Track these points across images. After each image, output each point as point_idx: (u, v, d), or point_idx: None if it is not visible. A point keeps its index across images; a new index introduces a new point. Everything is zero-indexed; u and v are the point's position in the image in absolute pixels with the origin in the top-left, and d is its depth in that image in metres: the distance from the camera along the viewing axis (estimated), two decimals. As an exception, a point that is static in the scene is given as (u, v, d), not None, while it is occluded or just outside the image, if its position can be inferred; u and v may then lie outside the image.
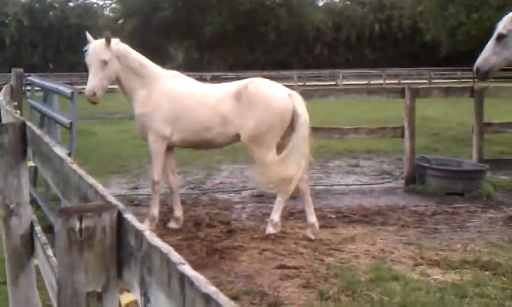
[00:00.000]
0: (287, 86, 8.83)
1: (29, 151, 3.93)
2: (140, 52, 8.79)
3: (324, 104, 19.06)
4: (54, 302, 2.96)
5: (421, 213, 9.42)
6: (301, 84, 48.07)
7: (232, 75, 50.63)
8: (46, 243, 3.75)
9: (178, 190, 8.98)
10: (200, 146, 8.83)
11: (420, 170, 11.18)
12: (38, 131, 3.74)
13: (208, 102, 8.26)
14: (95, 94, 8.18)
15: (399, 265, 6.92)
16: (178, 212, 8.72)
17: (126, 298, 2.82)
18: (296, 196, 8.70)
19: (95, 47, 8.28)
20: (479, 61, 9.01)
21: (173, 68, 9.69)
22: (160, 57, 78.79)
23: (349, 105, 25.21)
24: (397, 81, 55.35)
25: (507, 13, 9.08)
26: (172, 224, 8.65)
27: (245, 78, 9.03)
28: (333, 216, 9.24)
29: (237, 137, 8.28)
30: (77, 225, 1.85)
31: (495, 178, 11.45)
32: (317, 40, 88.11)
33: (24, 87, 13.40)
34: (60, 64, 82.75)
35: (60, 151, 2.96)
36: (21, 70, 11.57)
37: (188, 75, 9.22)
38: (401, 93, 11.65)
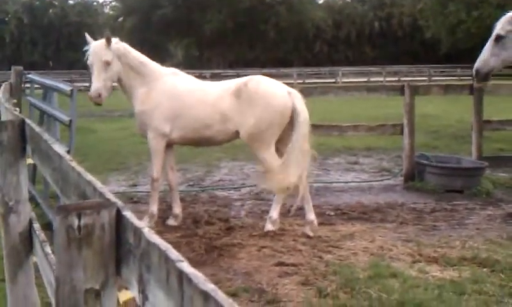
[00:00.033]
0: (286, 83, 8.83)
1: (28, 148, 3.94)
2: (140, 50, 8.80)
3: (324, 102, 19.02)
4: (53, 300, 2.97)
5: (420, 210, 9.43)
6: (301, 81, 48.11)
7: (231, 73, 50.64)
8: (45, 240, 3.76)
9: (177, 187, 8.99)
10: (199, 143, 8.84)
11: (419, 167, 11.19)
12: (37, 128, 3.75)
13: (208, 99, 8.27)
14: (100, 95, 8.19)
15: (397, 262, 6.93)
16: (177, 209, 8.73)
17: (124, 295, 2.82)
18: (294, 193, 8.70)
19: (96, 47, 8.28)
20: (478, 63, 9.01)
21: (172, 66, 9.69)
22: (160, 55, 78.65)
23: (348, 103, 25.19)
24: (396, 79, 55.39)
25: (506, 13, 9.08)
26: (171, 221, 8.66)
27: (245, 75, 9.04)
28: (332, 213, 9.25)
29: (236, 135, 8.29)
30: (76, 222, 1.85)
31: (494, 175, 11.46)
32: (316, 38, 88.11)
33: (23, 85, 13.38)
34: (60, 62, 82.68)
35: (59, 148, 2.97)
36: (21, 67, 11.55)
37: (188, 73, 9.23)
38: (401, 90, 11.65)
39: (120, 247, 1.91)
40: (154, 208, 8.53)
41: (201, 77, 25.00)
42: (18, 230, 4.02)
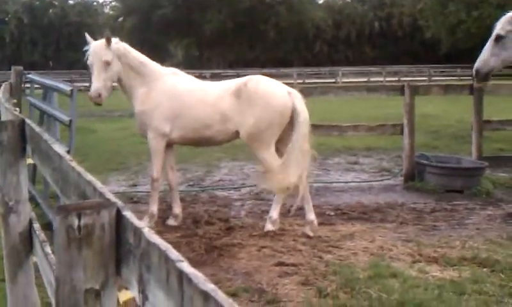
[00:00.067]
0: (286, 83, 8.83)
1: (28, 148, 3.94)
2: (140, 50, 8.80)
3: (324, 102, 19.02)
4: (53, 300, 2.97)
5: (420, 210, 9.43)
6: (301, 81, 48.13)
7: (231, 73, 50.65)
8: (45, 240, 3.76)
9: (177, 187, 8.99)
10: (199, 143, 8.84)
11: (419, 167, 11.19)
12: (37, 128, 3.75)
13: (208, 99, 8.27)
14: (100, 95, 8.20)
15: (397, 262, 6.93)
16: (177, 209, 8.73)
17: (124, 295, 2.82)
18: (294, 193, 8.70)
19: (96, 47, 8.28)
20: (478, 63, 9.01)
21: (172, 66, 9.70)
22: (160, 55, 78.62)
23: (348, 103, 25.19)
24: (396, 79, 55.39)
25: (506, 12, 9.08)
26: (171, 221, 8.66)
27: (245, 75, 9.04)
28: (332, 213, 9.25)
29: (236, 135, 8.29)
30: (76, 222, 1.85)
31: (494, 175, 11.46)
32: (316, 38, 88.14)
33: (23, 85, 13.37)
34: (60, 62, 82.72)
35: (59, 148, 2.97)
36: (21, 67, 11.55)
37: (188, 73, 9.23)
38: (401, 90, 11.64)
39: (120, 247, 1.91)
40: (154, 208, 8.54)
41: (201, 77, 25.00)
42: (18, 230, 4.02)
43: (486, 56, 8.95)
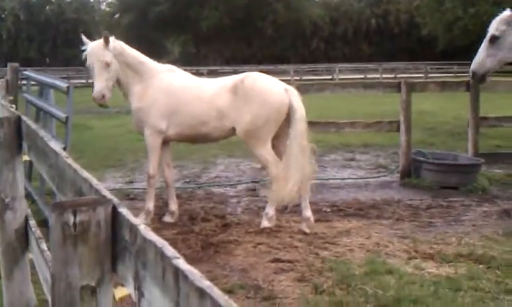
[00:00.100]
0: (283, 80, 8.83)
1: (24, 145, 3.94)
2: (137, 47, 8.80)
3: (320, 98, 19.03)
4: (48, 296, 2.97)
5: (416, 206, 9.44)
6: (298, 78, 48.04)
7: (228, 70, 50.56)
8: (40, 237, 3.76)
9: (173, 184, 9.00)
10: (196, 140, 8.84)
11: (416, 164, 11.20)
12: (33, 125, 3.75)
13: (205, 96, 8.28)
14: (103, 96, 8.22)
15: (393, 258, 6.94)
16: (174, 205, 8.74)
17: (120, 292, 2.81)
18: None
19: (94, 48, 8.27)
20: (475, 64, 9.03)
21: (169, 63, 9.70)
22: (157, 52, 78.56)
23: (345, 100, 25.22)
24: (393, 75, 55.31)
25: (502, 10, 9.10)
26: (167, 218, 8.66)
27: (242, 72, 9.04)
28: (328, 210, 9.25)
29: (233, 131, 8.30)
30: (71, 219, 1.85)
31: (490, 172, 11.47)
32: (314, 35, 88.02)
33: (19, 82, 13.35)
34: (57, 59, 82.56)
35: (55, 145, 2.96)
36: (17, 64, 11.53)
37: (185, 70, 9.24)
38: (397, 87, 11.65)
39: (116, 244, 1.91)
40: (150, 204, 8.54)
41: (198, 73, 25.00)
42: (14, 227, 4.02)
43: (482, 57, 8.97)
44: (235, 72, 11.34)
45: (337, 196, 10.20)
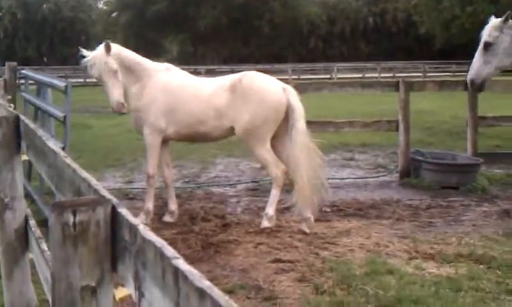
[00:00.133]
0: (281, 79, 8.83)
1: (23, 145, 3.92)
2: (135, 45, 8.83)
3: (318, 98, 19.05)
4: (49, 296, 2.95)
5: (416, 206, 9.43)
6: (296, 77, 48.09)
7: (226, 69, 50.61)
8: (40, 237, 3.75)
9: (173, 183, 8.99)
10: (195, 139, 8.83)
11: (415, 164, 11.19)
12: (31, 125, 3.73)
13: (202, 95, 8.28)
14: (122, 105, 8.21)
15: (393, 258, 6.93)
16: (173, 205, 8.72)
17: (120, 292, 2.81)
18: (290, 189, 8.71)
19: (99, 59, 8.23)
20: (472, 73, 9.01)
21: (167, 62, 9.69)
22: (155, 51, 78.71)
23: (343, 99, 25.21)
24: (391, 74, 55.39)
25: (499, 9, 9.10)
26: (167, 218, 8.65)
27: (239, 71, 9.04)
28: (328, 210, 9.23)
29: (231, 131, 8.30)
30: (71, 219, 1.84)
31: (489, 172, 11.46)
32: (311, 33, 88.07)
33: (17, 81, 13.33)
34: (54, 58, 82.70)
35: (54, 144, 2.95)
36: (15, 63, 11.53)
37: (182, 69, 9.23)
38: (396, 86, 11.64)
39: (116, 244, 1.90)
40: (150, 204, 8.53)
41: (196, 72, 24.98)
42: (14, 227, 4.01)
43: (479, 65, 8.96)
44: (233, 71, 11.32)
45: (337, 196, 10.16)
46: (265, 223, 8.14)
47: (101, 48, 8.29)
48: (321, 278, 6.29)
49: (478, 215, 8.91)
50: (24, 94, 11.12)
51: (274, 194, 8.25)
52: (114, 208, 1.90)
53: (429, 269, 6.53)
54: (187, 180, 11.76)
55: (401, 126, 11.34)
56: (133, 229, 1.73)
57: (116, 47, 8.48)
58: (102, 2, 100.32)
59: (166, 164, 8.79)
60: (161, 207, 9.08)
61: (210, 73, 45.42)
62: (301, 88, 9.86)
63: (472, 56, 9.26)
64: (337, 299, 5.74)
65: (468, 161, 11.22)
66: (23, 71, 12.14)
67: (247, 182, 11.22)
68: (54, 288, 1.90)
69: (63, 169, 2.59)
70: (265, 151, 8.12)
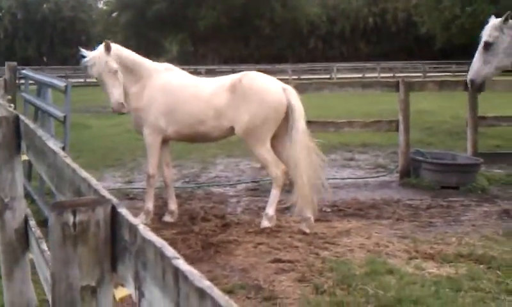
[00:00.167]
0: (281, 79, 8.84)
1: (23, 145, 3.92)
2: (135, 45, 8.82)
3: (319, 98, 19.04)
4: (49, 296, 2.95)
5: (416, 206, 9.43)
6: (296, 77, 48.08)
7: (226, 69, 50.62)
8: (40, 237, 3.75)
9: (173, 183, 8.99)
10: (195, 139, 8.83)
11: (415, 164, 11.19)
12: (31, 125, 3.73)
13: (202, 95, 8.28)
14: (122, 104, 8.20)
15: (393, 258, 6.93)
16: (173, 205, 8.72)
17: (120, 292, 2.81)
18: (290, 189, 8.72)
19: (98, 59, 8.22)
20: (472, 73, 9.01)
21: (167, 62, 9.69)
22: (155, 51, 78.73)
23: (343, 99, 25.20)
24: (391, 74, 55.37)
25: (499, 9, 9.10)
26: (167, 218, 8.65)
27: (240, 71, 9.04)
28: (328, 210, 9.23)
29: (231, 131, 8.30)
30: (71, 219, 1.84)
31: (489, 172, 11.45)
32: (311, 34, 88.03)
33: (17, 81, 13.34)
34: (54, 58, 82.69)
35: (54, 144, 2.95)
36: (15, 63, 11.53)
37: (183, 69, 9.24)
38: (396, 86, 11.63)
39: (116, 244, 1.90)
40: (150, 204, 8.53)
41: (196, 72, 24.97)
42: (14, 227, 4.01)
43: (479, 65, 8.96)
44: (233, 71, 11.33)
45: (337, 196, 10.15)
46: (265, 223, 8.15)
47: (101, 48, 8.29)
48: (321, 278, 6.29)
49: (478, 215, 8.91)
50: (24, 94, 11.12)
51: (274, 194, 8.26)
52: (114, 208, 1.90)
53: (429, 269, 6.54)
54: (187, 179, 11.76)
55: (401, 127, 11.33)
56: (133, 229, 1.73)
57: (116, 47, 8.48)
58: (102, 2, 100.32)
59: (166, 164, 8.79)
60: (161, 207, 9.08)
61: (211, 73, 45.44)
62: (301, 88, 9.87)
63: (472, 56, 9.26)
64: (337, 299, 5.74)
65: (468, 161, 11.22)
66: (23, 71, 12.14)
67: (247, 182, 11.22)
68: (54, 288, 1.90)
69: (63, 169, 2.59)
70: (265, 151, 8.12)
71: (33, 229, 3.92)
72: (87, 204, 1.87)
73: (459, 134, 15.21)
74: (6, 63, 11.42)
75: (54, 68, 57.94)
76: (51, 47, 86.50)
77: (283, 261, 6.82)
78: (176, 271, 1.44)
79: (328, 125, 12.04)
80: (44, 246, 3.55)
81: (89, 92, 32.95)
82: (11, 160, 3.99)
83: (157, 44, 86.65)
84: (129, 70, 8.44)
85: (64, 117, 7.52)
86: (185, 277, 1.38)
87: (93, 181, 2.16)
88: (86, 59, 8.35)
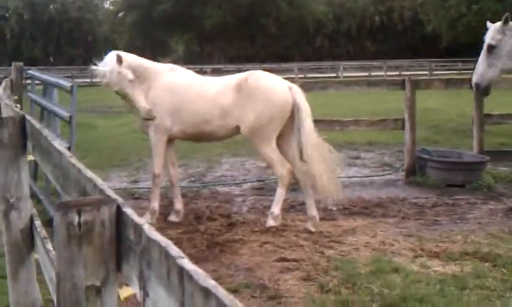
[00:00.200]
0: (287, 78, 8.85)
1: (29, 145, 3.94)
2: (141, 45, 8.89)
3: (325, 96, 19.01)
4: (54, 296, 2.97)
5: (421, 205, 9.42)
6: (302, 76, 48.06)
7: (232, 68, 50.62)
8: (46, 237, 3.76)
9: (178, 183, 8.99)
10: (200, 138, 8.84)
11: (421, 162, 11.18)
12: (37, 125, 3.74)
13: (208, 94, 8.28)
14: (151, 110, 8.18)
15: (399, 257, 6.92)
16: (179, 205, 8.73)
17: (125, 292, 2.81)
18: (296, 188, 8.73)
19: (115, 74, 8.19)
20: (477, 76, 8.98)
21: (173, 61, 9.72)
22: (161, 50, 78.85)
23: (349, 97, 25.15)
24: (397, 73, 55.30)
25: (503, 6, 9.08)
26: (172, 218, 8.66)
27: (246, 70, 9.04)
28: (334, 208, 9.22)
29: (237, 130, 8.30)
30: (76, 219, 1.84)
31: (495, 170, 11.43)
32: (317, 32, 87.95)
33: (24, 81, 13.37)
34: (60, 58, 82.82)
35: (59, 145, 2.96)
36: (21, 63, 11.56)
37: (189, 68, 9.26)
38: (402, 84, 11.63)
39: (121, 244, 1.91)
40: (155, 204, 8.54)
41: (202, 72, 24.99)
42: (20, 227, 4.02)
43: (483, 69, 8.93)
44: (239, 71, 11.33)
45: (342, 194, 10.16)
46: (271, 222, 8.15)
47: (113, 61, 8.23)
48: (326, 277, 6.29)
49: (484, 213, 8.90)
50: (30, 94, 11.15)
51: (280, 193, 8.26)
52: (119, 208, 1.90)
53: (435, 267, 6.54)
54: (192, 179, 11.77)
55: (407, 125, 11.32)
56: (138, 228, 1.74)
57: (124, 56, 8.43)
58: (108, 2, 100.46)
59: (172, 163, 8.80)
60: (167, 206, 9.09)
61: (216, 72, 45.38)
62: (307, 87, 9.86)
63: (478, 54, 9.24)
64: (342, 297, 5.74)
65: (474, 159, 11.20)
66: (29, 71, 12.18)
67: (253, 181, 11.23)
68: (59, 287, 1.91)
69: (69, 169, 2.60)
70: (271, 150, 8.12)
71: (38, 229, 3.93)
72: (92, 204, 1.88)
73: (465, 132, 15.18)
74: (13, 63, 11.46)
75: (60, 68, 58.00)
76: (57, 47, 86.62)
77: (289, 260, 6.83)
78: (181, 270, 1.44)
79: (334, 123, 12.03)
80: (49, 246, 3.56)
81: (95, 92, 32.93)
82: (17, 160, 4.00)
83: (163, 44, 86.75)
84: (136, 72, 8.44)
85: (70, 117, 7.54)
86: (190, 277, 1.38)
87: (99, 181, 2.17)
88: (101, 76, 8.30)
